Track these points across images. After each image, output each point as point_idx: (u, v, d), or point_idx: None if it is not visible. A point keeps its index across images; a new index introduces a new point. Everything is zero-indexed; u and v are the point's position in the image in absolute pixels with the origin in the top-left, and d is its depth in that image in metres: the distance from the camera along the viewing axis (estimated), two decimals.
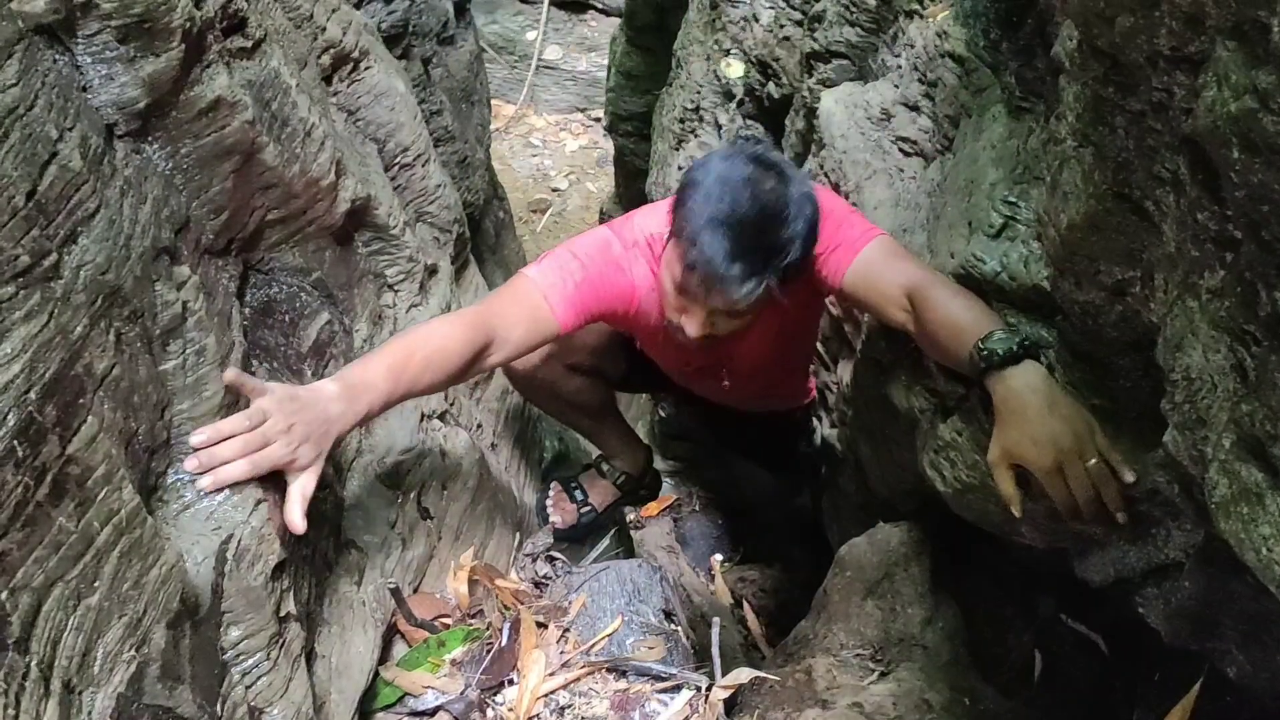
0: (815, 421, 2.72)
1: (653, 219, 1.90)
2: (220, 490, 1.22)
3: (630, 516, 3.30)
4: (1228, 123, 0.84)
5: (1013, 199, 1.51)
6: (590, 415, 2.53)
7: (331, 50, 2.02)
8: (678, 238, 1.70)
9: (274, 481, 1.30)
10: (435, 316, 1.80)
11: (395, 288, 2.06)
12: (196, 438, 1.21)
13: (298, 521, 1.28)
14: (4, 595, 0.86)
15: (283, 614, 1.26)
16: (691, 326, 1.76)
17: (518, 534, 2.29)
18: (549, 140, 7.18)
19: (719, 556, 3.15)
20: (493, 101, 4.19)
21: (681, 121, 3.58)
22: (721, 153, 1.73)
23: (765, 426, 2.71)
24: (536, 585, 2.03)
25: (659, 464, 3.26)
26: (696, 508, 3.43)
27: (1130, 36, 1.03)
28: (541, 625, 1.79)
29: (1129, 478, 1.25)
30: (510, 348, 1.73)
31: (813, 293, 1.93)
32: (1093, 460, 1.27)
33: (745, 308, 1.71)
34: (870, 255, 1.72)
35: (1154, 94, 1.03)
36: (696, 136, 3.53)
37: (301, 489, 1.30)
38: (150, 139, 1.31)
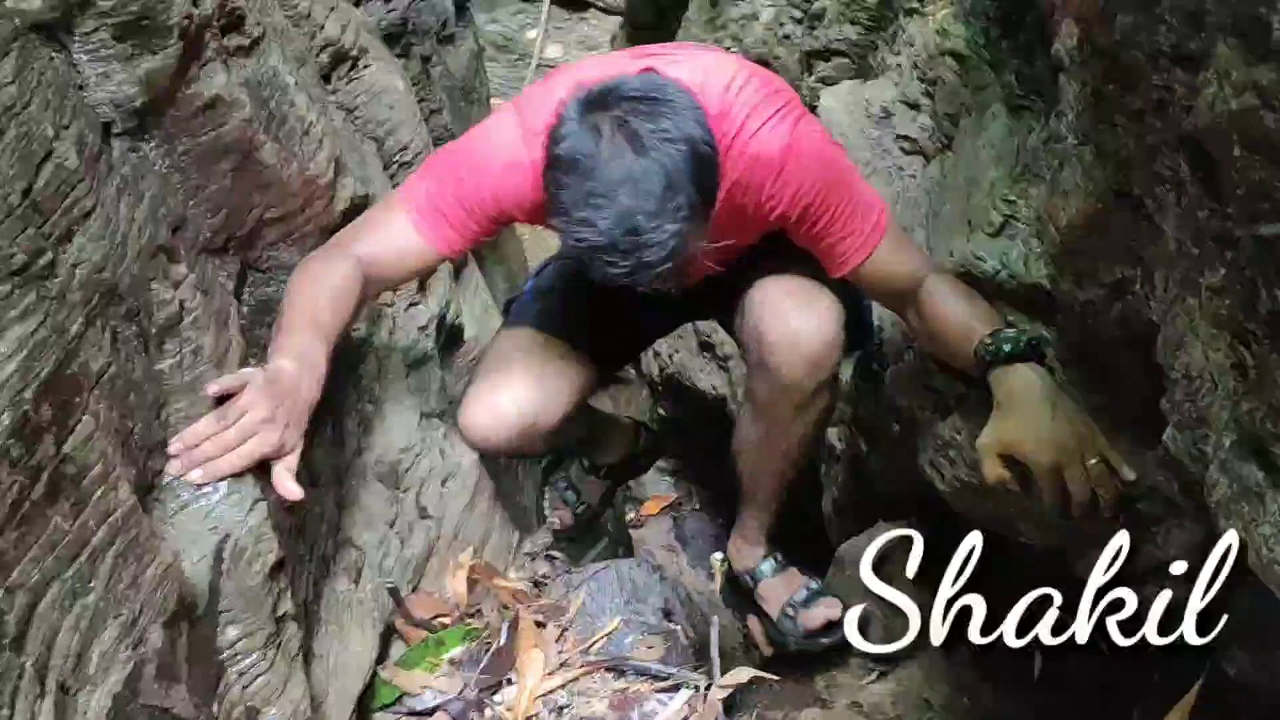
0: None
1: (540, 117, 1.52)
2: (218, 489, 1.22)
3: (630, 516, 3.30)
4: (1228, 120, 0.84)
5: (1012, 197, 1.51)
6: (568, 447, 2.40)
7: (330, 48, 2.02)
8: (562, 240, 1.47)
9: (264, 469, 1.29)
10: (309, 260, 1.56)
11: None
12: (173, 446, 1.21)
13: (295, 489, 1.28)
14: None
15: (280, 613, 1.25)
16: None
17: (517, 533, 2.29)
18: None
19: (719, 555, 3.15)
20: (492, 100, 4.18)
21: None
22: (575, 139, 1.40)
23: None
24: (535, 584, 2.02)
25: (660, 461, 3.24)
26: (697, 506, 3.44)
27: (1130, 34, 1.03)
28: (540, 624, 1.79)
29: (1129, 475, 1.25)
30: (388, 279, 1.64)
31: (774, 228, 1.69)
32: (1093, 461, 1.28)
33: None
34: (883, 255, 1.61)
35: (1154, 92, 1.03)
36: None
37: (287, 466, 1.30)
38: (147, 137, 1.30)
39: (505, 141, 1.58)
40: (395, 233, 1.59)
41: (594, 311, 1.93)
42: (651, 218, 1.36)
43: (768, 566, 2.05)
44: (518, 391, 1.86)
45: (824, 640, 1.93)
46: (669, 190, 1.37)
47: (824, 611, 1.95)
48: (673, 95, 1.43)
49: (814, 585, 2.01)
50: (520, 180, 1.55)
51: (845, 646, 1.85)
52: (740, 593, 2.12)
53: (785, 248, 1.73)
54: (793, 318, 1.74)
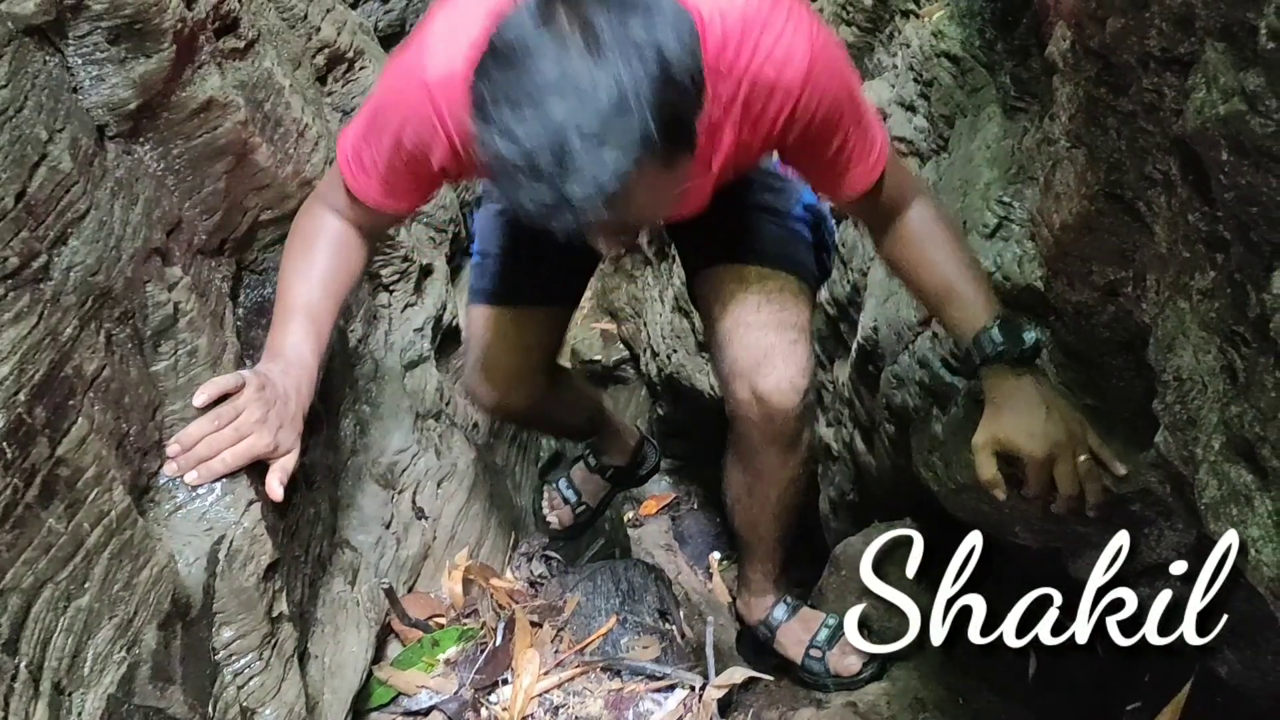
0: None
1: (449, 55, 1.22)
2: (213, 490, 1.22)
3: (629, 515, 3.30)
4: (1217, 124, 0.84)
5: (1007, 199, 1.51)
6: (578, 429, 2.46)
7: (326, 50, 2.02)
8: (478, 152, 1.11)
9: (259, 470, 1.30)
10: (297, 224, 1.47)
11: (390, 288, 2.06)
12: (171, 448, 1.21)
13: (277, 488, 1.28)
14: None
15: (275, 614, 1.25)
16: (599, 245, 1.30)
17: (513, 533, 2.29)
18: None
19: (717, 554, 3.16)
20: None
21: None
22: (520, 27, 1.06)
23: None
24: (532, 584, 2.03)
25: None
26: (695, 506, 3.44)
27: (1121, 37, 1.03)
28: (536, 625, 1.79)
29: (1120, 470, 1.27)
30: (373, 229, 1.52)
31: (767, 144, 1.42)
32: (1083, 457, 1.29)
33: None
34: (885, 179, 1.43)
35: (1145, 95, 1.03)
36: None
37: (283, 467, 1.30)
38: (142, 140, 1.30)
39: (413, 101, 1.32)
40: (351, 195, 1.43)
41: (537, 256, 1.85)
42: (587, 139, 1.02)
43: (781, 612, 1.95)
44: (505, 367, 1.97)
45: (862, 677, 1.85)
46: (619, 109, 1.02)
47: (854, 658, 1.86)
48: (659, 1, 1.09)
49: (831, 622, 1.91)
50: (439, 145, 1.32)
51: (882, 674, 1.83)
52: (756, 646, 2.03)
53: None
54: (763, 375, 1.63)
